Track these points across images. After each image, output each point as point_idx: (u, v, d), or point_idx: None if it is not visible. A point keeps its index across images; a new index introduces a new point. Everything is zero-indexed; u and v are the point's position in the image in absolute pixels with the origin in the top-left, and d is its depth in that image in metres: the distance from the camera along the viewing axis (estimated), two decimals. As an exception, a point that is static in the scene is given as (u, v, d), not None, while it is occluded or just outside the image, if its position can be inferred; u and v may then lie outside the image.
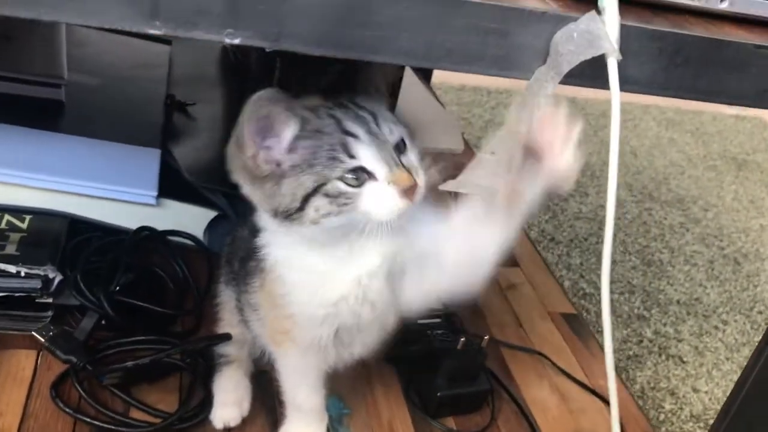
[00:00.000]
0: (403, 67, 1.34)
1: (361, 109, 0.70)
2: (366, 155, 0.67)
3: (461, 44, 0.54)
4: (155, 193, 1.04)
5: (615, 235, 1.93)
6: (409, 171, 0.68)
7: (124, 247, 1.03)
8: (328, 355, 0.81)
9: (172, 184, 1.08)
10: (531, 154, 0.63)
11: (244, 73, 1.42)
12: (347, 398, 0.97)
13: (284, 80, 1.33)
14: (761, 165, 2.56)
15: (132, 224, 1.05)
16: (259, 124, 0.65)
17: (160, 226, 1.07)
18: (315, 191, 0.66)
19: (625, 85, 0.58)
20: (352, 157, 0.66)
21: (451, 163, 1.66)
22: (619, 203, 2.12)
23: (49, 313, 0.95)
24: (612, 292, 1.72)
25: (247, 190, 0.71)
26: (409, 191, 0.67)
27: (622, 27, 0.56)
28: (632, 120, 2.71)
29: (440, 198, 0.72)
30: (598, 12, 0.55)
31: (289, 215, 0.68)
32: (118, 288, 0.97)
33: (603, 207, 2.13)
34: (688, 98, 0.61)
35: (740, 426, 0.86)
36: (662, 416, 1.40)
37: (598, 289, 1.72)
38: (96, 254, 1.01)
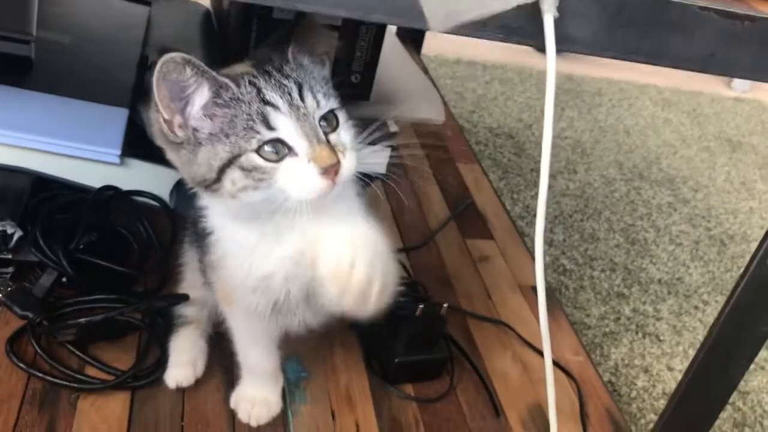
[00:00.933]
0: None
1: (286, 77, 0.66)
2: (286, 127, 0.64)
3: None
4: (119, 152, 1.04)
5: (600, 213, 1.93)
6: (334, 149, 0.65)
7: (87, 206, 1.02)
8: (270, 322, 0.80)
9: (139, 144, 1.07)
10: None
11: (223, 37, 1.41)
12: (306, 362, 0.97)
13: (261, 41, 1.32)
14: (756, 147, 2.54)
15: (96, 183, 1.05)
16: (171, 87, 0.63)
17: (125, 185, 1.06)
18: (230, 163, 0.64)
19: (566, 44, 0.56)
20: (270, 128, 0.64)
21: (432, 134, 1.63)
22: (608, 181, 2.10)
23: (9, 270, 0.95)
24: (593, 269, 1.71)
25: (169, 155, 0.69)
26: (330, 170, 0.64)
27: (563, -16, 0.55)
28: (628, 99, 2.68)
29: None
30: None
31: (207, 185, 0.66)
32: (80, 246, 0.97)
33: (590, 185, 2.13)
34: (632, 60, 0.59)
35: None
36: (634, 393, 1.40)
37: (578, 265, 1.72)
38: (59, 212, 1.01)
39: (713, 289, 1.75)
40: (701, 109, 2.75)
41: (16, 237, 0.94)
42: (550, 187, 1.99)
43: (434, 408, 0.96)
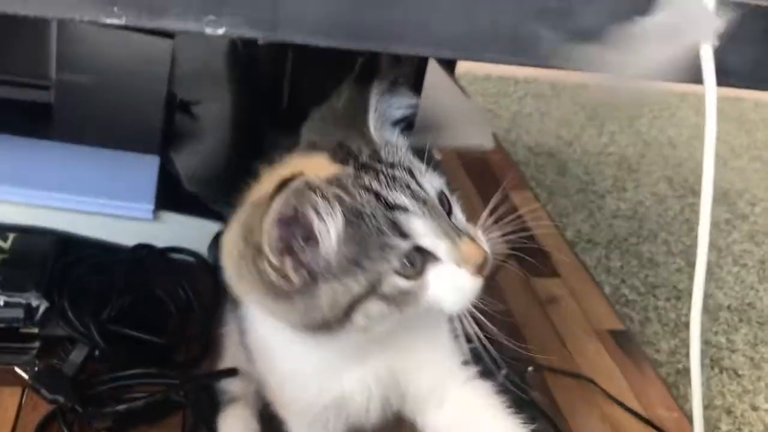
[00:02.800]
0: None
1: (392, 167, 0.53)
2: (422, 230, 0.51)
3: (511, 28, 0.42)
4: (152, 207, 0.94)
5: (656, 235, 1.81)
6: (472, 239, 0.53)
7: (120, 268, 0.92)
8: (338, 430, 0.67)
9: (173, 195, 0.97)
10: None
11: (254, 67, 1.31)
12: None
13: (297, 76, 1.22)
14: (809, 154, 2.41)
15: (128, 241, 0.95)
16: (290, 227, 0.49)
17: (160, 242, 0.96)
18: (367, 295, 0.51)
19: (729, 78, 0.45)
20: (404, 236, 0.51)
21: (479, 160, 1.52)
22: (660, 199, 1.98)
23: (35, 345, 0.86)
24: (657, 297, 1.59)
25: (266, 308, 0.54)
26: (481, 267, 0.52)
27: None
28: (668, 109, 2.56)
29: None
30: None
31: (326, 327, 0.52)
32: (112, 315, 0.87)
33: (642, 203, 2.00)
34: (798, 92, 0.48)
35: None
36: (718, 439, 1.28)
37: (641, 294, 1.59)
38: (87, 276, 0.91)
39: (788, 314, 1.62)
40: (746, 115, 2.62)
41: (41, 309, 0.84)
42: (599, 208, 1.88)
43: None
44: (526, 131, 2.23)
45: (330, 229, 0.49)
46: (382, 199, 0.51)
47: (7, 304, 0.82)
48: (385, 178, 0.52)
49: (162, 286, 0.94)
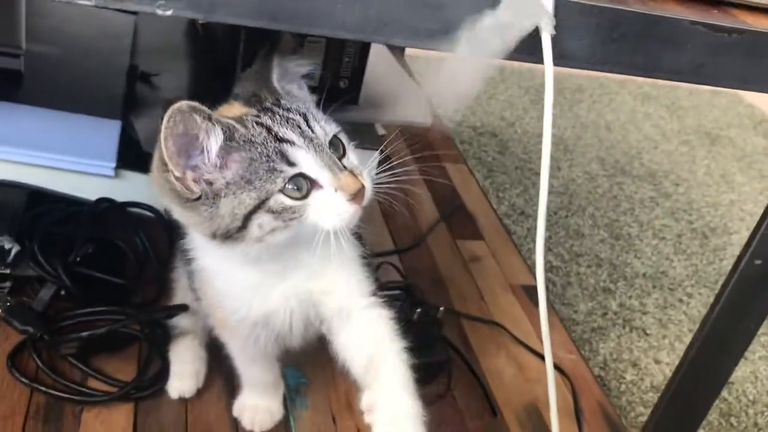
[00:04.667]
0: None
1: (288, 111, 0.66)
2: (306, 161, 0.63)
3: (396, 16, 0.54)
4: (114, 164, 1.04)
5: (584, 209, 1.96)
6: (352, 173, 0.65)
7: (84, 218, 1.03)
8: (268, 347, 0.80)
9: (133, 156, 1.08)
10: None
11: (211, 43, 1.41)
12: (306, 369, 0.98)
13: (250, 50, 1.32)
14: (734, 140, 2.58)
15: (92, 196, 1.05)
16: (180, 140, 0.60)
17: (120, 197, 1.07)
18: (257, 208, 0.63)
19: (562, 59, 0.58)
20: (291, 164, 0.63)
21: (419, 136, 1.65)
22: (591, 177, 2.13)
23: (7, 285, 0.96)
24: (579, 264, 1.74)
25: (179, 214, 0.66)
26: (357, 195, 0.64)
27: (560, 2, 0.56)
28: (608, 94, 2.71)
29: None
30: (533, -14, 0.55)
31: (229, 235, 0.64)
32: (77, 259, 0.98)
33: (573, 181, 2.15)
34: (626, 73, 0.61)
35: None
36: (623, 386, 1.43)
37: (564, 261, 1.74)
38: (55, 226, 1.01)
39: (697, 281, 1.78)
40: (680, 102, 2.79)
41: (13, 252, 0.95)
42: (534, 185, 2.03)
43: (432, 409, 0.95)
44: (473, 112, 2.36)
45: (210, 147, 0.62)
46: (273, 133, 0.64)
47: (-18, 247, 0.93)
48: (280, 118, 0.65)
49: (121, 236, 1.05)
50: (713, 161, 2.41)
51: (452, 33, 0.55)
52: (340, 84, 1.38)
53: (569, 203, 1.98)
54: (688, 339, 1.59)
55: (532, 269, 1.32)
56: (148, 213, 1.10)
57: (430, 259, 1.26)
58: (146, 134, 1.12)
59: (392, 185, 0.68)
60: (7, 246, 0.94)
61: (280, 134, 0.64)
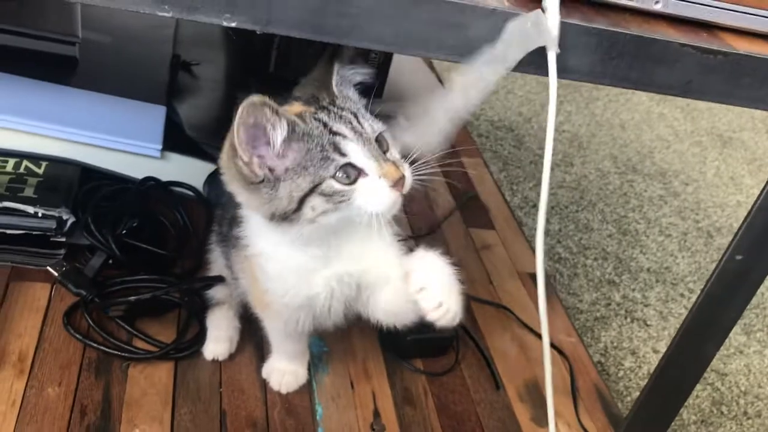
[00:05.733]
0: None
1: (341, 109, 0.75)
2: (355, 152, 0.72)
3: (424, 34, 0.64)
4: (160, 147, 1.14)
5: (595, 205, 2.05)
6: (395, 164, 0.74)
7: (131, 195, 1.13)
8: (305, 327, 0.90)
9: (176, 139, 1.18)
10: None
11: (247, 37, 1.51)
12: (328, 339, 1.08)
13: (283, 48, 1.42)
14: (746, 143, 2.65)
15: (138, 174, 1.15)
16: (250, 131, 0.69)
17: (164, 177, 1.17)
18: (311, 191, 0.72)
19: (566, 73, 0.67)
20: (342, 154, 0.72)
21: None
22: (603, 174, 2.21)
23: (62, 251, 1.06)
24: (586, 257, 1.83)
25: (243, 197, 0.76)
26: (398, 183, 0.73)
27: (565, 24, 0.65)
28: (624, 94, 2.78)
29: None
30: (543, 10, 0.64)
31: (285, 216, 0.74)
32: (124, 231, 1.08)
33: (586, 177, 2.24)
34: (623, 87, 0.70)
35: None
36: (621, 372, 1.52)
37: (572, 253, 1.83)
38: (105, 200, 1.11)
39: (699, 278, 1.86)
40: (695, 104, 2.85)
41: (69, 222, 1.05)
42: (547, 179, 2.10)
43: (441, 381, 1.07)
44: (491, 107, 2.45)
45: (277, 135, 0.71)
46: (328, 127, 0.73)
47: (44, 216, 1.03)
48: (335, 115, 0.74)
49: (164, 212, 1.16)
50: (723, 163, 2.48)
51: (471, 48, 0.64)
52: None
53: (580, 198, 2.06)
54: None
55: (552, 264, 1.41)
56: (188, 192, 1.20)
57: (444, 246, 1.35)
58: (188, 119, 1.22)
59: (421, 179, 0.77)
60: (64, 217, 1.04)
61: (334, 128, 0.73)
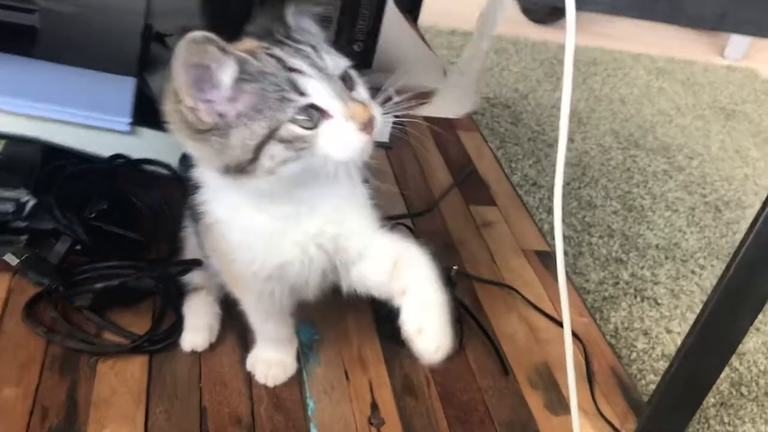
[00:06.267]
0: None
1: (298, 42, 0.65)
2: (316, 91, 0.63)
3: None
4: (129, 120, 1.04)
5: (597, 181, 1.95)
6: (363, 104, 0.65)
7: (99, 174, 1.04)
8: (283, 301, 0.81)
9: (148, 113, 1.08)
10: None
11: (223, 6, 1.41)
12: (318, 325, 0.99)
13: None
14: (749, 115, 2.56)
15: (106, 152, 1.06)
16: (194, 72, 0.61)
17: (135, 154, 1.07)
18: (268, 138, 0.63)
19: (587, 4, 0.58)
20: (302, 94, 0.63)
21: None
22: (605, 150, 2.12)
23: (23, 238, 0.96)
24: (591, 235, 1.74)
25: (191, 147, 0.67)
26: (367, 125, 0.64)
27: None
28: (622, 69, 2.69)
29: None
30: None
31: (241, 168, 0.64)
32: (92, 214, 0.98)
33: (587, 153, 2.14)
34: (650, 19, 0.61)
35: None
36: (634, 355, 1.43)
37: (577, 232, 1.74)
38: (70, 180, 1.02)
39: (709, 254, 1.77)
40: (695, 77, 2.76)
41: (30, 205, 0.95)
42: (546, 156, 2.02)
43: (444, 368, 0.98)
44: (486, 83, 2.35)
45: (225, 76, 0.62)
46: (283, 63, 0.63)
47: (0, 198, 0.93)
48: (291, 49, 0.65)
49: (136, 193, 1.06)
50: (728, 136, 2.39)
51: None
52: (354, 47, 1.37)
53: (582, 175, 1.97)
54: (699, 309, 1.59)
55: (544, 235, 1.32)
56: (162, 170, 1.10)
57: (443, 224, 1.26)
58: (161, 92, 1.11)
59: (399, 121, 0.67)
60: (23, 199, 0.94)
61: (291, 64, 0.63)
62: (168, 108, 0.65)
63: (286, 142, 0.63)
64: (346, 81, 0.66)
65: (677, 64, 2.84)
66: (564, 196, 1.83)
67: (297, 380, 0.91)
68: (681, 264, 1.72)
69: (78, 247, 0.96)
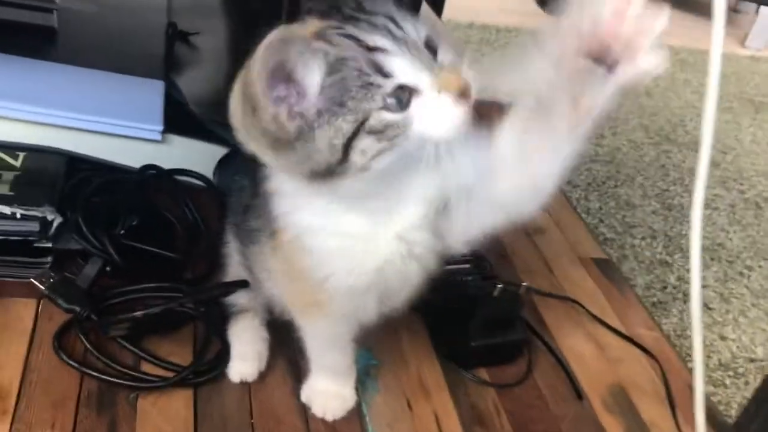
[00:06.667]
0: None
1: (372, 15, 0.56)
2: (402, 68, 0.54)
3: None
4: (161, 128, 0.96)
5: (633, 179, 1.87)
6: (453, 70, 0.56)
7: (128, 188, 0.95)
8: (366, 317, 0.73)
9: (178, 119, 0.99)
10: (597, 55, 0.52)
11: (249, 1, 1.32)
12: (374, 349, 0.90)
13: (293, 10, 1.23)
14: (779, 107, 2.48)
15: (136, 162, 0.97)
16: (275, 75, 0.52)
17: (167, 164, 0.99)
18: (357, 132, 0.54)
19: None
20: (387, 75, 0.54)
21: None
22: (637, 146, 2.04)
23: (49, 259, 0.88)
24: (633, 236, 1.66)
25: (272, 159, 0.58)
26: (463, 94, 0.55)
27: None
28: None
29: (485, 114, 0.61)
30: None
31: (331, 171, 0.56)
32: (122, 231, 0.90)
33: (619, 149, 2.05)
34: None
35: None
36: (690, 365, 1.35)
37: (618, 233, 1.66)
38: (97, 195, 0.93)
39: (755, 254, 1.70)
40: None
41: (55, 224, 0.86)
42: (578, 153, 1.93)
43: (514, 393, 0.89)
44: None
45: (313, 76, 0.53)
46: (363, 43, 0.54)
47: (23, 217, 0.84)
48: (366, 24, 0.55)
49: (169, 207, 0.97)
50: (759, 129, 2.31)
51: None
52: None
53: (617, 172, 1.88)
54: (752, 314, 1.51)
55: (599, 241, 1.24)
56: (197, 181, 1.01)
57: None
58: (191, 95, 1.03)
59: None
60: (49, 217, 0.86)
61: (371, 42, 0.54)
62: (240, 122, 0.56)
63: (377, 132, 0.55)
64: (430, 47, 0.57)
65: (699, 55, 2.75)
66: (600, 195, 1.76)
67: (357, 412, 0.82)
68: (728, 265, 1.64)
69: (108, 269, 0.88)
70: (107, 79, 0.99)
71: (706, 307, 1.50)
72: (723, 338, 1.43)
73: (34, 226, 0.85)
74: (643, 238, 1.66)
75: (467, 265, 0.97)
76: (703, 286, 1.56)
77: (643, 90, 2.38)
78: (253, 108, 0.54)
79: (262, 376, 0.83)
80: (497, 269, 1.06)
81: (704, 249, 1.68)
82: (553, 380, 0.92)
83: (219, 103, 1.07)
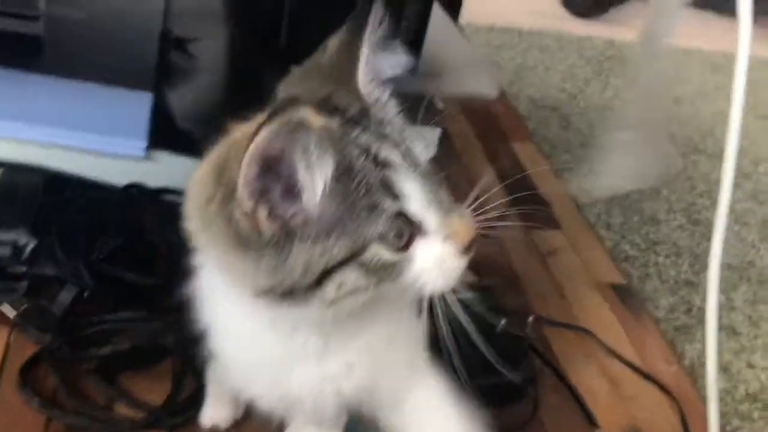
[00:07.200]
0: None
1: (383, 124, 0.48)
2: (411, 192, 0.46)
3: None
4: (144, 144, 0.91)
5: (658, 191, 1.78)
6: (464, 218, 0.49)
7: (110, 208, 0.90)
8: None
9: (166, 134, 0.94)
10: None
11: (253, 5, 1.26)
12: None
13: (296, 15, 1.18)
14: (815, 115, 2.38)
15: (119, 180, 0.92)
16: (270, 166, 0.43)
17: (152, 182, 0.94)
18: (346, 262, 0.46)
19: None
20: (394, 197, 0.46)
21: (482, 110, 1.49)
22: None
23: (23, 284, 0.83)
24: (657, 254, 1.57)
25: (226, 262, 0.48)
26: (469, 247, 0.48)
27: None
28: (675, 65, 2.52)
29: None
30: None
31: (290, 293, 0.47)
32: (101, 256, 0.85)
33: (640, 160, 1.96)
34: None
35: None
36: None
37: (641, 250, 1.57)
38: (76, 215, 0.88)
39: (788, 273, 1.61)
40: (752, 74, 2.55)
41: (29, 248, 0.82)
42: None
43: (521, 439, 0.83)
44: (530, 84, 2.19)
45: (317, 179, 0.45)
46: (371, 155, 0.47)
47: (-6, 241, 0.80)
48: (376, 133, 0.48)
49: (153, 228, 0.92)
50: (795, 138, 2.22)
51: None
52: (397, 51, 1.23)
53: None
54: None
55: (620, 260, 1.17)
56: (182, 201, 0.96)
57: (503, 253, 1.11)
58: (182, 108, 0.98)
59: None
60: (22, 241, 0.81)
61: (382, 155, 0.46)
62: (201, 207, 0.47)
63: (369, 269, 0.46)
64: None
65: (731, 58, 2.65)
66: (623, 209, 1.68)
67: (343, 460, 0.76)
68: (758, 286, 1.55)
69: (85, 295, 0.83)
70: (90, 90, 0.94)
71: (733, 331, 1.41)
72: (751, 366, 1.34)
73: (6, 251, 0.81)
74: (667, 256, 1.57)
75: (469, 295, 0.90)
76: (731, 309, 1.47)
77: (672, 96, 2.29)
78: (225, 195, 0.45)
79: (237, 424, 0.77)
80: (505, 295, 1.00)
81: (732, 267, 1.60)
82: (563, 420, 0.86)
83: (210, 116, 1.02)
